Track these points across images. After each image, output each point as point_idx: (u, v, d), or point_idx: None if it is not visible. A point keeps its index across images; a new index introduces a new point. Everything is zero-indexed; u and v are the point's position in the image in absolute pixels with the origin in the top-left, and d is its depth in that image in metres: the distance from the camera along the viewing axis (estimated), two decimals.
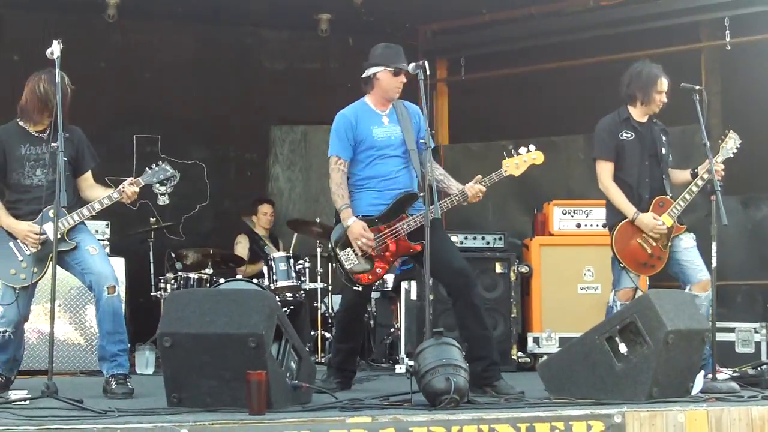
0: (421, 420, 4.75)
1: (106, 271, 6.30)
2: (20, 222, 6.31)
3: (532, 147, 6.56)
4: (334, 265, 6.65)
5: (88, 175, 6.62)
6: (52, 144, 5.93)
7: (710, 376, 6.22)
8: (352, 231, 6.31)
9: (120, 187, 6.39)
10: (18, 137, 6.40)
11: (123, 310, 6.51)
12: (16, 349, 6.40)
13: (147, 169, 6.61)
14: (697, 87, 6.81)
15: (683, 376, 5.79)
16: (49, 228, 6.14)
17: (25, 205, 6.37)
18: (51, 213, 6.03)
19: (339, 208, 6.40)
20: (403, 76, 6.47)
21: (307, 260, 9.84)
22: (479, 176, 6.39)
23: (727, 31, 10.22)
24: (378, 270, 6.44)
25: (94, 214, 6.47)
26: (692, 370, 5.88)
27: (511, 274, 9.14)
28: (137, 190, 6.41)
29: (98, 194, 6.45)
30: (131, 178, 6.48)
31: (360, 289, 6.57)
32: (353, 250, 6.38)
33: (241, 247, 10.58)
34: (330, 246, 6.58)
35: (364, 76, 6.56)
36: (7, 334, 6.25)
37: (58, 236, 6.08)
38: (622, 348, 5.60)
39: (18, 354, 6.47)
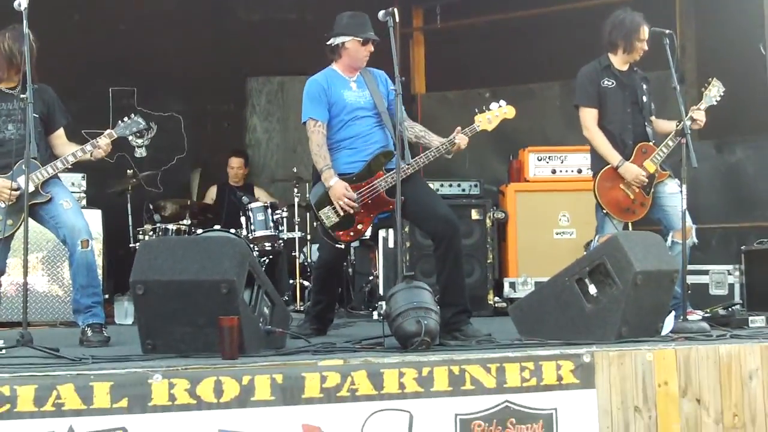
0: (393, 362, 4.79)
1: (79, 225, 6.32)
2: None
3: (502, 102, 6.58)
4: (315, 224, 6.67)
5: (61, 132, 6.64)
6: (22, 96, 5.94)
7: (681, 316, 6.28)
8: (334, 191, 6.34)
9: (93, 140, 6.42)
10: None
11: (96, 264, 6.52)
12: None
13: (120, 121, 6.66)
14: (667, 31, 6.80)
15: (652, 316, 5.85)
16: (22, 181, 6.14)
17: None
18: (24, 166, 6.03)
19: (320, 169, 6.41)
20: (371, 45, 6.53)
21: (285, 210, 9.87)
22: (459, 128, 6.42)
23: None
24: (359, 227, 6.47)
25: (68, 166, 6.50)
26: (661, 311, 5.94)
27: (487, 220, 9.22)
28: (109, 141, 6.44)
29: (71, 151, 6.47)
30: (106, 131, 6.51)
31: (342, 246, 6.63)
32: (333, 209, 6.41)
33: (209, 194, 10.71)
34: (310, 206, 6.61)
35: (330, 44, 6.59)
36: None
37: (32, 189, 6.12)
38: (592, 289, 5.65)
39: None
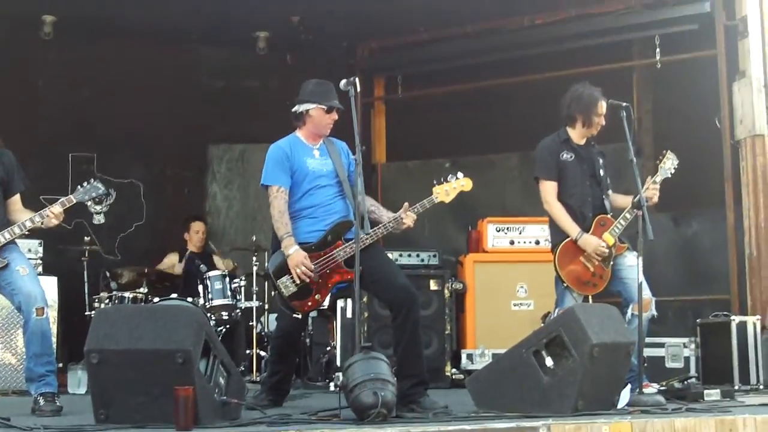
0: None
1: (35, 293, 6.26)
2: None
3: (460, 174, 6.64)
4: (273, 293, 6.66)
5: (17, 198, 6.59)
6: None
7: (637, 389, 6.29)
8: (292, 259, 6.32)
9: (43, 210, 6.38)
10: None
11: (51, 332, 6.45)
12: None
13: (79, 186, 6.62)
14: (624, 104, 6.89)
15: (609, 389, 5.86)
16: None
17: None
18: None
19: (281, 236, 6.40)
20: (335, 114, 6.57)
21: (243, 279, 9.85)
22: (407, 204, 6.46)
23: (658, 50, 10.38)
24: (317, 297, 6.44)
25: (25, 232, 6.44)
26: (618, 383, 5.96)
27: (446, 290, 9.23)
28: (61, 210, 6.39)
29: (25, 218, 6.42)
30: (65, 197, 6.48)
31: (299, 316, 6.60)
32: (291, 279, 6.38)
33: (168, 260, 10.59)
34: (268, 274, 6.59)
35: (295, 110, 6.63)
36: None
37: None
38: (549, 361, 5.65)
39: None
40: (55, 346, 6.84)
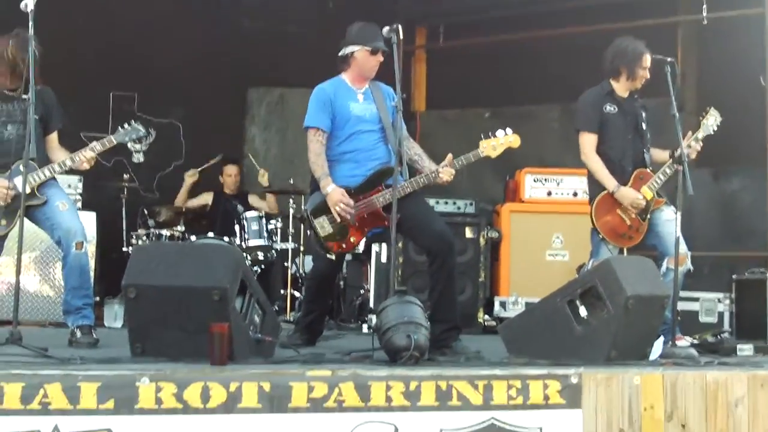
0: (381, 375, 4.78)
1: (74, 227, 6.32)
2: None
3: (509, 130, 6.61)
4: (308, 233, 6.70)
5: (54, 136, 6.64)
6: (24, 96, 5.96)
7: (670, 342, 6.29)
8: (331, 197, 6.35)
9: (77, 152, 6.42)
10: None
11: (89, 266, 6.53)
12: None
13: (119, 128, 6.66)
14: (669, 59, 6.82)
15: (642, 340, 5.86)
16: (19, 182, 6.13)
17: None
18: (21, 167, 6.03)
19: (318, 177, 6.43)
20: (380, 55, 6.55)
21: (279, 220, 9.90)
22: (450, 156, 6.44)
23: (704, 6, 10.27)
24: (352, 239, 6.49)
25: (66, 169, 6.50)
26: (651, 335, 5.95)
27: (481, 239, 9.26)
28: (94, 155, 6.44)
29: (60, 157, 6.47)
30: (106, 138, 6.52)
31: (333, 257, 6.63)
32: (328, 219, 6.42)
33: (201, 198, 10.70)
34: (305, 214, 6.62)
35: (340, 54, 6.62)
36: None
37: (29, 191, 6.11)
38: (583, 311, 5.66)
39: None
40: (92, 280, 6.90)
